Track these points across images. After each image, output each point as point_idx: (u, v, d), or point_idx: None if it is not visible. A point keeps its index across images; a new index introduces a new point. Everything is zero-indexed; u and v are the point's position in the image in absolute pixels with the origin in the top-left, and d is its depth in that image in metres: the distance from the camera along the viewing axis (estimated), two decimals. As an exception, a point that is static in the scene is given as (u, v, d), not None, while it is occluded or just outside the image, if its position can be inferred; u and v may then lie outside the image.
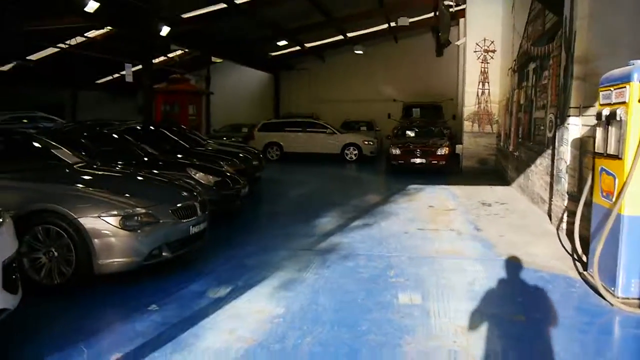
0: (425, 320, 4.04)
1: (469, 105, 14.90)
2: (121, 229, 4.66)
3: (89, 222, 4.60)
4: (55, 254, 4.67)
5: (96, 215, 4.64)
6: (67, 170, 5.65)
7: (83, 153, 7.49)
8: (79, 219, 4.59)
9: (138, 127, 10.83)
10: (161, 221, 4.93)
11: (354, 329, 3.87)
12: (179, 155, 9.14)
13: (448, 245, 6.43)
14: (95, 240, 4.60)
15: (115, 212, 4.69)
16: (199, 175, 7.56)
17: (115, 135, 8.95)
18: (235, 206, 8.17)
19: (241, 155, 10.80)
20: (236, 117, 24.41)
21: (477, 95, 14.94)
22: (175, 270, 5.23)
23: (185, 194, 5.47)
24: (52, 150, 6.02)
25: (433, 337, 3.74)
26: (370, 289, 4.78)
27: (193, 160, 8.58)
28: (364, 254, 5.98)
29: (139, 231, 4.74)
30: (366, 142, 18.42)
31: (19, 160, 5.83)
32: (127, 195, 4.99)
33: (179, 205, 5.18)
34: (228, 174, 8.36)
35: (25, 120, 15.88)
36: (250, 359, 3.45)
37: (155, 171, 6.64)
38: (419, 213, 8.58)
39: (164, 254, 4.98)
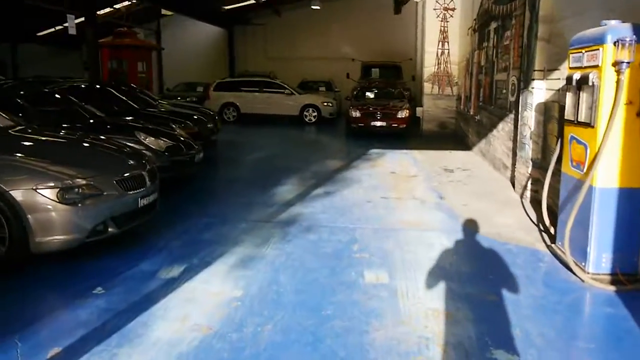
0: (394, 302, 3.81)
1: (429, 66, 14.61)
2: (59, 202, 4.19)
3: (22, 195, 4.11)
4: (-14, 230, 4.20)
5: (31, 187, 4.14)
6: (-2, 136, 5.07)
7: (20, 115, 6.92)
8: (10, 192, 4.10)
9: (82, 86, 10.11)
10: (105, 193, 4.47)
11: (318, 314, 3.60)
12: (128, 118, 8.53)
13: (412, 216, 6.22)
14: (30, 215, 4.12)
15: (52, 184, 4.20)
16: (149, 140, 7.04)
17: (58, 95, 8.24)
18: (189, 173, 7.72)
19: (195, 117, 10.25)
20: (190, 76, 23.38)
21: (437, 55, 14.64)
22: (124, 247, 4.81)
23: (132, 162, 5.00)
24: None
25: (402, 322, 3.51)
26: (333, 266, 4.51)
27: (143, 123, 8.01)
28: (326, 226, 5.70)
29: (79, 205, 4.28)
30: (325, 104, 18.02)
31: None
32: (66, 164, 4.49)
33: (125, 175, 4.72)
34: (181, 138, 7.85)
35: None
36: (205, 352, 3.13)
37: (101, 136, 6.08)
38: (381, 180, 8.34)
39: (109, 229, 4.55)
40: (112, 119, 8.08)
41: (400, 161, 10.23)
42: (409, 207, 6.64)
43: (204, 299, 3.81)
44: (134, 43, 13.38)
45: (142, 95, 10.94)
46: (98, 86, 10.43)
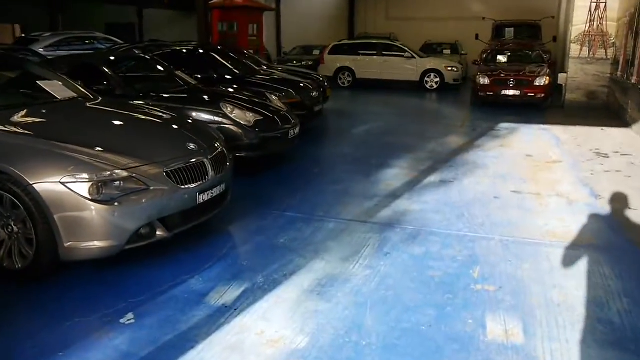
0: (533, 388, 2.47)
1: (578, 23, 12.19)
2: (92, 200, 3.31)
3: (46, 189, 3.29)
4: (15, 229, 3.47)
5: (57, 179, 3.31)
6: (44, 111, 4.34)
7: (104, 84, 6.32)
8: (33, 185, 3.29)
9: (184, 51, 9.46)
10: (152, 188, 3.54)
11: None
12: (223, 87, 7.69)
13: (557, 223, 4.66)
14: (57, 215, 3.30)
15: (84, 176, 3.33)
16: (235, 113, 6.08)
17: (149, 62, 7.59)
18: (282, 151, 6.70)
19: (302, 84, 9.19)
20: (308, 39, 22.51)
21: (590, 10, 12.16)
22: (176, 253, 3.89)
23: (192, 146, 4.01)
24: (39, 82, 4.72)
25: None
26: (443, 303, 3.22)
27: (234, 92, 7.11)
28: (438, 233, 4.38)
29: (117, 203, 3.38)
30: (449, 69, 16.15)
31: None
32: (111, 149, 3.61)
33: (179, 164, 3.74)
34: (277, 109, 6.84)
35: (87, 42, 14.93)
36: None
37: (174, 110, 5.21)
38: (513, 166, 6.73)
39: (157, 233, 3.63)
40: (204, 87, 7.26)
41: (537, 140, 8.44)
42: (551, 209, 5.07)
43: (253, 349, 2.74)
44: (245, 4, 12.58)
45: (247, 61, 10.08)
46: (200, 51, 9.72)
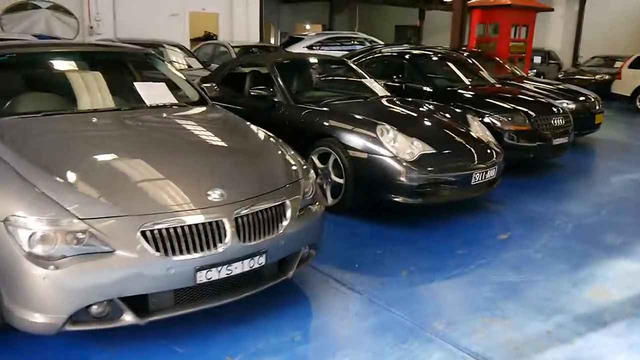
0: None
1: None
2: (28, 255, 2.34)
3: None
4: None
5: (2, 217, 2.43)
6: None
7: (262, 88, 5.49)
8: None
9: (407, 56, 8.09)
10: (117, 252, 2.38)
11: None
12: (427, 103, 6.10)
13: None
14: (-6, 266, 2.43)
15: (31, 220, 2.37)
16: (396, 142, 4.47)
17: (345, 66, 6.49)
18: (456, 199, 4.75)
19: (541, 107, 6.84)
20: (616, 47, 18.39)
21: None
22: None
23: (217, 194, 2.67)
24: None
25: None
26: None
27: (411, 109, 5.45)
28: None
29: (52, 267, 2.32)
30: None
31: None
32: (87, 184, 2.59)
33: (170, 221, 2.48)
34: (474, 138, 4.98)
35: (346, 42, 14.82)
36: None
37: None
38: None
39: (124, 317, 2.47)
40: (392, 99, 5.80)
41: None
42: None
43: None
44: (512, 2, 10.42)
45: (483, 72, 8.12)
46: (433, 57, 8.18)
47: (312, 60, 6.59)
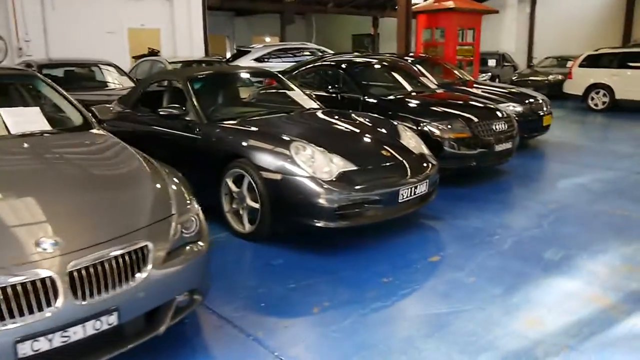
0: None
1: None
2: None
3: None
4: None
5: None
6: None
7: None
8: None
9: (342, 65, 7.70)
10: None
11: None
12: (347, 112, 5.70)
13: None
14: None
15: None
16: (314, 161, 4.05)
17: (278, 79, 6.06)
18: (384, 219, 4.32)
19: (480, 111, 6.53)
20: (569, 47, 18.45)
21: None
22: None
23: (46, 244, 2.19)
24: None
25: None
26: None
27: (336, 120, 5.04)
28: None
29: None
30: None
31: None
32: None
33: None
34: (406, 150, 4.59)
35: (297, 53, 14.43)
36: None
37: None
38: None
39: None
40: (323, 111, 5.38)
41: None
42: None
43: None
44: (458, 5, 10.18)
45: (423, 77, 7.80)
46: (376, 64, 7.82)
47: (234, 73, 6.14)
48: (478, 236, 4.49)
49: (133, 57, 13.37)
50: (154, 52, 14.69)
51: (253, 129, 4.54)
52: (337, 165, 4.08)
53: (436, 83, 8.22)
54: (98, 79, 9.53)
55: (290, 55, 13.93)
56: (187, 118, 4.90)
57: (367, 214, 4.10)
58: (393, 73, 7.57)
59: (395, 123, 5.11)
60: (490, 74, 17.37)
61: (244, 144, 4.35)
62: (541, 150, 8.21)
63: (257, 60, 13.58)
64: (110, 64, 9.50)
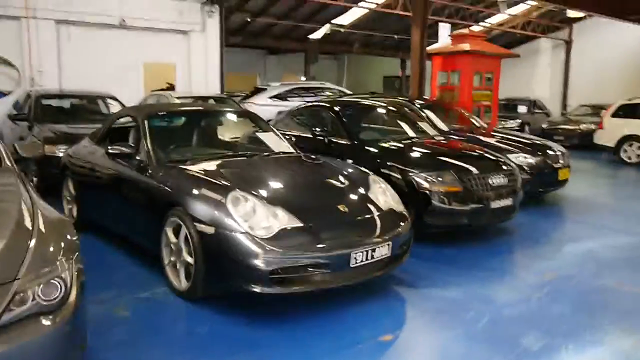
0: None
1: None
2: None
3: None
4: None
5: None
6: None
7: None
8: None
9: (335, 107, 7.23)
10: None
11: None
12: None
13: None
14: None
15: None
16: (255, 216, 3.52)
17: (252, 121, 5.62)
18: (329, 286, 3.71)
19: (483, 163, 5.91)
20: (604, 95, 17.54)
21: None
22: None
23: None
24: None
25: None
26: None
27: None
28: None
29: None
30: None
31: None
32: None
33: None
34: (377, 207, 4.03)
35: (313, 93, 14.11)
36: None
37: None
38: None
39: None
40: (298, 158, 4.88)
41: None
42: None
43: None
44: (474, 49, 9.66)
45: (424, 123, 7.24)
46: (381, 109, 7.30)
47: (203, 112, 5.71)
48: (450, 310, 3.81)
49: (152, 92, 13.30)
50: (172, 87, 14.66)
51: (196, 173, 4.05)
52: (280, 220, 3.53)
53: (444, 129, 7.67)
54: (100, 111, 9.36)
55: (312, 95, 13.62)
56: (138, 157, 4.48)
57: (312, 279, 3.51)
58: (390, 118, 7.06)
59: (369, 174, 4.53)
60: (519, 120, 16.61)
61: (181, 190, 3.88)
62: (556, 206, 7.45)
63: (275, 97, 13.32)
64: (112, 97, 9.32)
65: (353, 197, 4.11)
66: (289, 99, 13.36)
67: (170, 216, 3.90)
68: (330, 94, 14.01)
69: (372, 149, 5.85)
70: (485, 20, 18.76)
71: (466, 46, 9.67)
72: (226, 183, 3.80)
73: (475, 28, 19.16)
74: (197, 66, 13.25)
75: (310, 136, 6.31)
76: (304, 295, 3.62)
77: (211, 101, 11.01)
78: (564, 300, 4.03)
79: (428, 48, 10.36)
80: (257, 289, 3.40)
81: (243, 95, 14.51)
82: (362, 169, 4.68)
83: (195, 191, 3.77)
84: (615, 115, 12.33)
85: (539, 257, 5.13)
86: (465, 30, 11.16)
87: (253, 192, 3.74)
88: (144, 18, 12.44)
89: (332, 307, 3.74)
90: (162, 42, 12.92)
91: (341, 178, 4.36)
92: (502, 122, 16.64)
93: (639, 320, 3.70)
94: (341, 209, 3.85)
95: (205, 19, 13.33)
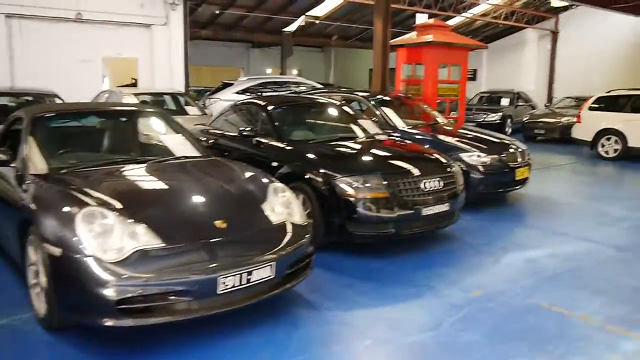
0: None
1: None
2: None
3: None
4: None
5: None
6: None
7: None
8: None
9: (268, 106, 6.79)
10: None
11: None
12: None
13: None
14: None
15: None
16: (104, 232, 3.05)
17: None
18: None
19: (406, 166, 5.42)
20: (591, 88, 16.98)
21: None
22: None
23: None
24: None
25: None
26: None
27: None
28: None
29: None
30: None
31: None
32: None
33: None
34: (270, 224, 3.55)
35: (283, 86, 13.61)
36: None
37: None
38: None
39: None
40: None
41: None
42: None
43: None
44: (439, 39, 9.12)
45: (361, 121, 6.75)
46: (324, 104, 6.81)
47: (102, 111, 5.20)
48: (346, 339, 3.35)
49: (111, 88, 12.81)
50: (136, 83, 14.17)
51: (60, 185, 3.57)
52: (138, 240, 3.06)
53: (398, 127, 7.19)
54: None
55: (283, 89, 13.13)
56: (13, 165, 4.00)
57: (173, 308, 3.03)
58: (331, 116, 6.55)
59: (271, 182, 4.03)
60: (500, 114, 16.08)
61: (37, 204, 3.40)
62: (514, 208, 6.96)
63: (242, 92, 12.82)
64: (55, 95, 8.82)
65: (240, 210, 3.62)
66: (258, 94, 12.89)
67: (30, 234, 3.43)
68: (305, 88, 13.51)
69: (299, 151, 5.36)
70: (469, 11, 18.18)
71: (429, 37, 9.13)
72: (86, 198, 3.30)
73: (458, 19, 18.64)
74: (160, 61, 12.74)
75: (238, 136, 5.82)
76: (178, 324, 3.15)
77: (168, 97, 10.56)
78: (479, 325, 3.54)
79: (392, 40, 9.82)
80: (109, 323, 2.93)
81: (214, 89, 14.04)
82: (266, 176, 4.18)
83: (48, 206, 3.30)
84: (592, 108, 11.80)
85: (473, 270, 4.64)
86: (430, 20, 10.58)
87: (118, 206, 3.26)
88: (102, 11, 11.94)
89: (210, 333, 3.26)
90: (122, 36, 12.41)
91: (233, 187, 3.88)
92: (483, 116, 16.22)
93: (558, 351, 3.22)
94: (217, 225, 3.36)
95: (169, 11, 12.82)
